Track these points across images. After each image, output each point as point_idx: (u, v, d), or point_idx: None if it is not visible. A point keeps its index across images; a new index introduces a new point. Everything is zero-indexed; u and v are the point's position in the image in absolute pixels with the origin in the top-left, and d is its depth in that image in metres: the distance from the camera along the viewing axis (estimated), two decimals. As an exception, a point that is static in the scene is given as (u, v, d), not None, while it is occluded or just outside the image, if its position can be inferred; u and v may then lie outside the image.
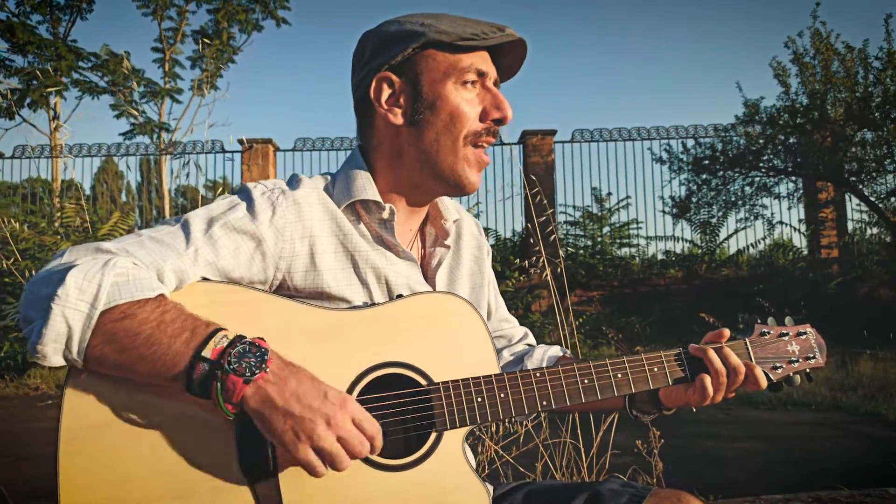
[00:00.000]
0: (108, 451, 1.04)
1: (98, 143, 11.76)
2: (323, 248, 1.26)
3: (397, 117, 1.29)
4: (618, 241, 11.61)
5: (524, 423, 2.60)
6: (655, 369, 1.35)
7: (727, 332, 1.40)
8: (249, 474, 1.07)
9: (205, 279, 1.16)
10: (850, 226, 11.34)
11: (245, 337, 1.03)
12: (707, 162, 10.43)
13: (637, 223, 11.69)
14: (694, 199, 10.72)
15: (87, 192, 13.16)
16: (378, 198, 1.31)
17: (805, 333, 1.45)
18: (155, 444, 1.06)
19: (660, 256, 11.79)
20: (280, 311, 1.18)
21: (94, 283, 1.00)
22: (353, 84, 1.38)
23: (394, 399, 1.19)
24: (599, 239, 11.49)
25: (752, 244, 11.48)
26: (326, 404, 1.02)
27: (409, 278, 1.34)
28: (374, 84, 1.30)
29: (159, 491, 1.05)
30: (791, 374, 1.42)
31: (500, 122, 1.29)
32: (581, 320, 8.20)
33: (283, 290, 1.24)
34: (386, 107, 1.30)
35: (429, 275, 1.42)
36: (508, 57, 1.33)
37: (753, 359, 1.39)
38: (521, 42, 1.30)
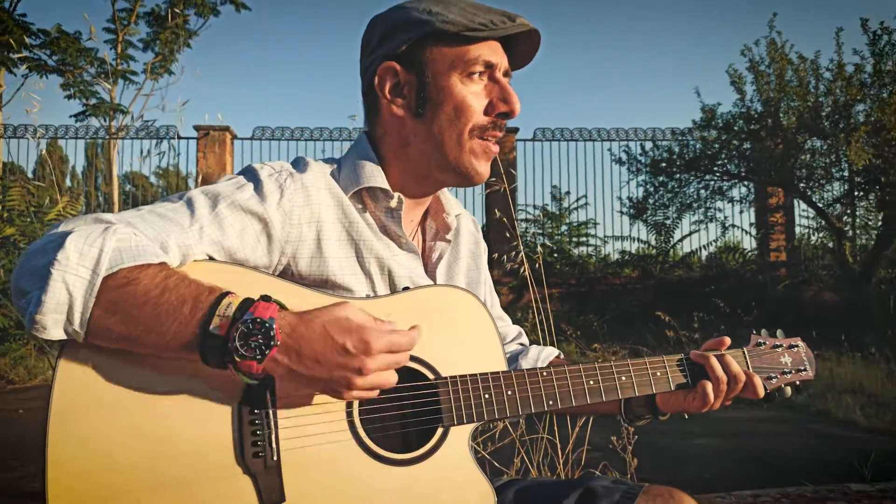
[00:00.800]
0: (101, 436, 0.97)
1: (45, 124, 11.30)
2: (329, 235, 1.21)
3: (400, 109, 1.25)
4: (575, 239, 11.77)
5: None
6: (658, 374, 1.35)
7: (728, 340, 1.42)
8: (250, 464, 1.02)
9: (209, 258, 1.10)
10: (797, 231, 11.74)
11: (250, 301, 0.96)
12: (664, 164, 10.65)
13: (594, 223, 11.88)
14: (651, 201, 10.93)
15: (30, 175, 12.61)
16: (387, 185, 1.27)
17: (796, 346, 1.49)
18: (153, 427, 0.99)
19: (615, 256, 12.00)
20: (288, 295, 1.12)
21: (96, 248, 0.93)
22: (360, 70, 1.33)
23: (401, 392, 1.16)
24: (557, 237, 11.62)
25: (704, 246, 11.80)
26: (350, 358, 0.97)
27: (412, 270, 1.31)
28: (378, 73, 1.26)
29: (156, 479, 0.98)
30: (783, 385, 1.45)
31: (507, 115, 1.25)
32: (540, 318, 8.25)
33: (287, 275, 1.19)
34: (389, 97, 1.26)
35: (429, 268, 1.39)
36: (523, 45, 1.29)
37: (751, 368, 1.41)
38: (535, 30, 1.26)
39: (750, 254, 11.92)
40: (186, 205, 1.11)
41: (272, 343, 0.94)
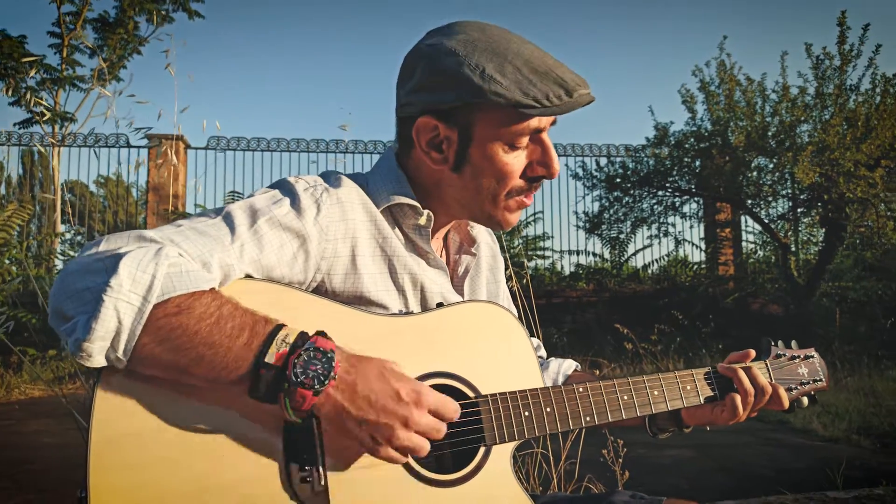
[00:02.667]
0: (145, 465, 0.93)
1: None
2: (363, 251, 1.20)
3: (437, 163, 1.22)
4: (530, 252, 11.90)
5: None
6: (688, 387, 1.37)
7: (753, 353, 1.46)
8: (298, 490, 1.00)
9: (247, 276, 1.08)
10: (744, 246, 12.16)
11: (307, 334, 0.96)
12: (619, 180, 10.89)
13: (548, 236, 12.06)
14: (606, 215, 11.15)
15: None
16: (416, 203, 1.25)
17: (812, 357, 1.53)
18: (197, 457, 0.96)
19: (569, 269, 12.19)
20: (327, 314, 1.11)
21: (148, 274, 0.90)
22: (397, 97, 1.27)
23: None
24: (514, 251, 11.73)
25: (656, 260, 12.10)
26: (401, 405, 0.98)
27: (442, 286, 1.30)
28: (416, 126, 1.20)
29: None
30: (801, 395, 1.49)
31: (544, 178, 1.24)
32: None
33: (321, 292, 1.17)
34: (426, 149, 1.22)
35: (455, 283, 1.39)
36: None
37: (773, 380, 1.45)
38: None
39: (699, 267, 12.27)
40: (225, 221, 1.08)
41: (331, 374, 0.94)
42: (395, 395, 0.98)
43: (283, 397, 0.92)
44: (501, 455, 1.18)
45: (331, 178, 1.24)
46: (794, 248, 10.85)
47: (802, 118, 9.29)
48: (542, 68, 1.14)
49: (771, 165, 9.92)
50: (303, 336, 0.96)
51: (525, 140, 1.19)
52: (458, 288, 1.38)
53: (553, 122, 1.23)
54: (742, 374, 1.37)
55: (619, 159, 11.34)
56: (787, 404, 1.41)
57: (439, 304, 1.25)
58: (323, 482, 1.00)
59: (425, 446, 1.00)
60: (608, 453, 2.48)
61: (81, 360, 0.88)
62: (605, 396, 1.28)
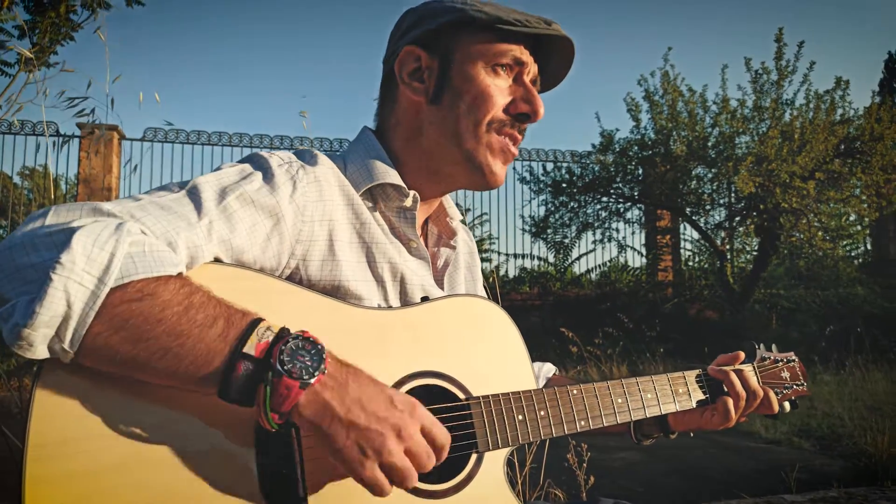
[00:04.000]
0: (88, 475, 0.79)
1: None
2: (340, 236, 1.08)
3: (418, 93, 1.15)
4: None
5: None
6: (681, 390, 1.31)
7: (742, 355, 1.41)
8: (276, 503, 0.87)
9: (215, 260, 0.94)
10: (683, 252, 12.49)
11: (288, 329, 0.84)
12: (565, 185, 11.01)
13: (493, 238, 12.08)
14: (552, 220, 11.25)
15: None
16: (402, 183, 1.15)
17: (793, 361, 1.50)
18: (150, 466, 0.83)
19: (514, 273, 12.24)
20: (306, 306, 0.99)
21: (106, 252, 0.76)
22: (383, 61, 1.23)
23: (433, 413, 1.03)
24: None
25: (600, 265, 12.29)
26: (394, 412, 0.86)
27: (423, 278, 1.19)
28: (399, 57, 1.16)
29: None
30: (785, 400, 1.45)
31: (528, 117, 1.17)
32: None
33: (295, 279, 1.05)
34: (407, 80, 1.16)
35: (435, 276, 1.28)
36: (554, 61, 1.21)
37: (761, 383, 1.40)
38: (569, 44, 1.18)
39: (640, 273, 12.53)
40: (190, 196, 0.94)
41: (321, 366, 0.82)
42: (388, 400, 0.87)
43: (263, 391, 0.79)
44: (494, 462, 1.08)
45: (306, 155, 1.12)
46: (729, 256, 11.18)
47: (741, 130, 9.60)
48: (521, 12, 1.16)
49: (710, 175, 10.22)
50: (286, 329, 0.84)
51: (507, 62, 1.15)
52: (439, 282, 1.29)
53: (535, 84, 1.21)
54: (734, 376, 1.32)
55: (565, 165, 11.48)
56: (776, 408, 1.37)
57: (424, 298, 1.14)
58: (302, 493, 0.88)
59: (413, 475, 0.86)
60: (572, 457, 2.42)
61: (20, 350, 0.74)
62: (598, 399, 1.20)
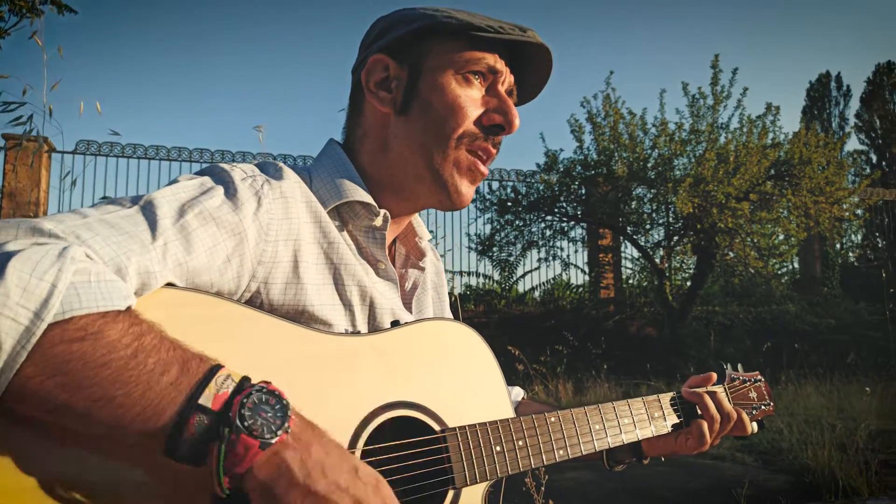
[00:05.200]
0: None
1: None
2: (306, 257, 1.00)
3: (385, 104, 1.09)
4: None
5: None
6: (656, 414, 1.29)
7: (714, 376, 1.40)
8: None
9: (167, 283, 0.84)
10: (623, 271, 12.77)
11: (249, 379, 0.75)
12: (510, 204, 11.10)
13: (439, 256, 12.07)
14: (497, 238, 11.31)
15: None
16: (371, 200, 1.08)
17: (759, 381, 1.51)
18: None
19: (459, 290, 12.23)
20: (267, 333, 0.91)
21: (46, 282, 0.66)
22: (352, 70, 1.18)
23: (405, 449, 0.97)
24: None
25: (544, 283, 12.43)
26: (357, 483, 0.77)
27: (393, 301, 1.12)
28: (367, 66, 1.10)
29: None
30: (753, 421, 1.45)
31: (503, 129, 1.10)
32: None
33: (255, 304, 0.96)
34: (374, 90, 1.10)
35: (404, 299, 1.22)
36: (531, 71, 1.16)
37: (733, 404, 1.40)
38: (546, 53, 1.13)
39: (582, 290, 12.73)
40: (143, 213, 0.85)
41: (285, 423, 0.73)
42: (352, 470, 0.78)
43: (217, 449, 0.69)
44: (472, 499, 1.02)
45: (270, 168, 1.04)
46: (668, 274, 11.48)
47: (679, 152, 9.91)
48: (495, 20, 1.10)
49: (650, 195, 10.50)
50: (247, 378, 0.75)
51: (479, 73, 1.09)
52: (407, 304, 1.22)
53: (511, 94, 1.16)
54: (707, 399, 1.31)
55: (510, 183, 11.58)
56: (749, 430, 1.36)
57: (395, 322, 1.08)
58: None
59: None
60: (530, 481, 2.38)
61: None
62: (576, 426, 1.16)
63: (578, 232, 11.85)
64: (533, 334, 9.66)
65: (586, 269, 12.60)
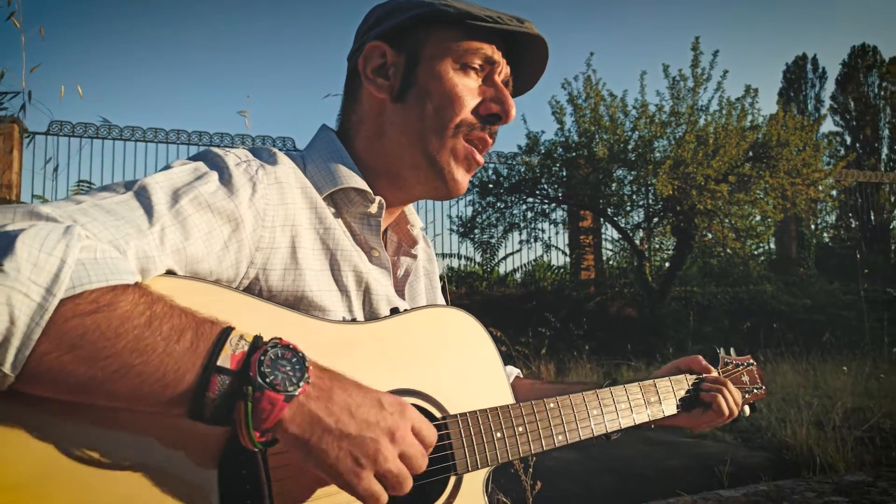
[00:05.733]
0: None
1: None
2: (303, 243, 1.00)
3: (382, 90, 1.09)
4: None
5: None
6: (652, 399, 1.32)
7: (700, 359, 1.43)
8: None
9: (167, 272, 0.84)
10: (604, 252, 12.87)
11: (262, 336, 0.77)
12: (491, 186, 11.09)
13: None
14: (479, 220, 11.32)
15: None
16: (367, 187, 1.08)
17: (752, 365, 1.53)
18: (103, 499, 0.72)
19: (439, 272, 12.25)
20: (270, 320, 0.91)
21: (55, 258, 0.66)
22: (347, 57, 1.17)
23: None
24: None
25: (525, 264, 12.49)
26: (385, 415, 0.81)
27: (387, 288, 1.13)
28: (364, 53, 1.10)
29: None
30: (746, 404, 1.48)
31: (499, 118, 1.11)
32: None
33: (253, 291, 0.96)
34: (371, 76, 1.09)
35: (396, 286, 1.22)
36: (527, 62, 1.16)
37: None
38: (543, 45, 1.13)
39: (563, 272, 12.81)
40: (138, 198, 0.84)
41: (305, 375, 0.74)
42: (377, 404, 0.81)
43: (243, 408, 0.71)
44: (474, 484, 1.03)
45: (264, 153, 1.04)
46: (648, 255, 11.59)
47: (659, 134, 9.96)
48: (490, 9, 1.11)
49: (631, 177, 10.55)
50: (260, 337, 0.76)
51: (477, 63, 1.09)
52: (399, 292, 1.23)
53: (507, 85, 1.15)
54: (721, 401, 1.35)
55: (491, 165, 11.56)
56: (745, 413, 1.40)
57: (394, 310, 1.08)
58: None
59: (409, 480, 0.82)
60: (518, 462, 2.40)
61: None
62: (575, 412, 1.18)
63: (559, 214, 11.89)
64: (515, 316, 9.71)
65: (567, 251, 12.67)
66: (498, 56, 1.11)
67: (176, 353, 0.70)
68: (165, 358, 0.70)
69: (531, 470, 2.41)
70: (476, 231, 11.36)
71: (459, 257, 12.35)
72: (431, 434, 0.86)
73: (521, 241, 11.62)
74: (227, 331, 0.74)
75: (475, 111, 1.09)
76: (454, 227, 11.67)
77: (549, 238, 12.07)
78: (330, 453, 0.76)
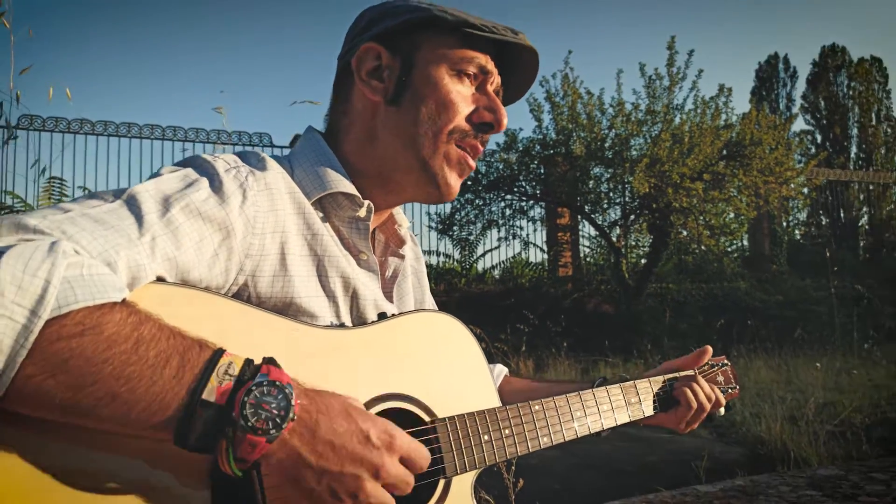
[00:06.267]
0: None
1: None
2: (292, 249, 1.00)
3: (376, 93, 1.09)
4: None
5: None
6: (633, 400, 1.34)
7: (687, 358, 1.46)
8: None
9: (158, 279, 0.84)
10: (581, 249, 12.97)
11: (253, 362, 0.76)
12: (470, 183, 11.11)
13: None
14: (457, 217, 11.33)
15: None
16: (355, 191, 1.08)
17: (726, 365, 1.57)
18: None
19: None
20: (261, 327, 0.91)
21: (40, 278, 0.65)
22: (338, 58, 1.16)
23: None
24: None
25: (503, 261, 12.54)
26: (370, 450, 0.79)
27: (375, 292, 1.14)
28: (358, 54, 1.09)
29: None
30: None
31: (492, 127, 1.12)
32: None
33: (242, 297, 0.96)
34: (365, 78, 1.09)
35: (384, 288, 1.23)
36: (517, 73, 1.18)
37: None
38: (534, 56, 1.15)
39: (541, 269, 12.89)
40: (128, 206, 0.84)
41: (289, 415, 0.73)
42: (363, 438, 0.80)
43: (225, 446, 0.71)
44: (462, 486, 1.04)
45: (252, 158, 1.03)
46: (624, 252, 11.70)
47: (635, 132, 10.05)
48: (485, 19, 1.12)
49: (608, 175, 10.64)
50: (250, 365, 0.76)
51: (471, 71, 1.10)
52: (388, 293, 1.23)
53: (498, 95, 1.17)
54: (689, 393, 1.37)
55: (470, 162, 11.58)
56: (708, 407, 1.43)
57: (381, 315, 1.08)
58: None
59: None
60: (502, 462, 2.42)
61: None
62: (559, 414, 1.19)
63: (537, 211, 11.95)
64: (493, 313, 9.74)
65: (545, 248, 12.74)
66: (491, 66, 1.12)
67: (161, 382, 0.70)
68: (151, 386, 0.69)
69: (514, 468, 2.43)
70: (454, 228, 11.37)
71: (438, 254, 12.36)
72: (422, 455, 0.86)
73: (499, 239, 11.68)
74: (216, 357, 0.74)
75: (469, 118, 1.10)
76: (433, 224, 11.68)
77: (528, 235, 12.14)
78: (308, 485, 0.76)
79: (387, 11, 1.11)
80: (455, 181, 1.13)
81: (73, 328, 0.66)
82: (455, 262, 12.45)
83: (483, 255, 12.45)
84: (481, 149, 1.14)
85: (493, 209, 11.35)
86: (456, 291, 11.26)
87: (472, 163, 1.13)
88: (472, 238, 11.69)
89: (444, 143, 1.09)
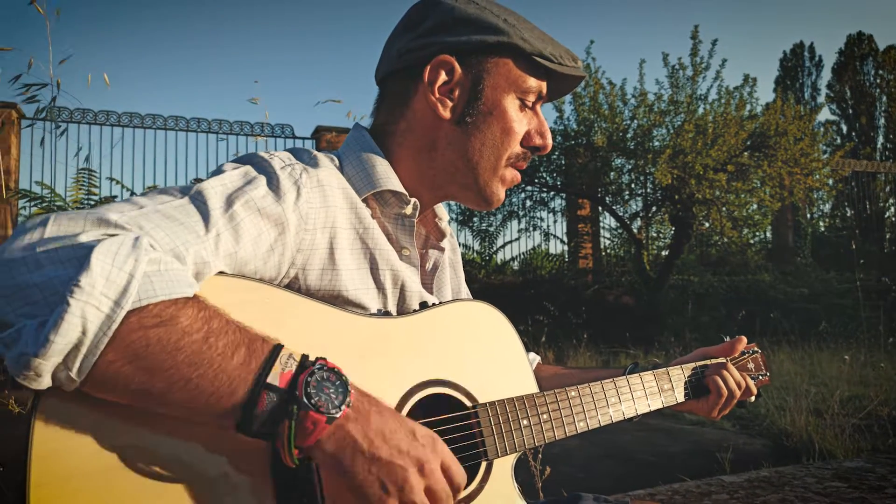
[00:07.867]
0: None
1: None
2: (341, 243, 1.04)
3: (446, 111, 1.11)
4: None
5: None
6: (666, 387, 1.36)
7: (743, 341, 1.49)
8: None
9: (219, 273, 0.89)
10: (602, 240, 12.92)
11: (308, 356, 0.81)
12: (490, 174, 11.10)
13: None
14: (477, 208, 11.33)
15: None
16: (403, 189, 1.12)
17: (757, 353, 1.58)
18: (163, 502, 0.77)
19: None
20: (313, 316, 0.95)
21: (125, 272, 0.70)
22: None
23: (442, 424, 1.02)
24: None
25: (523, 253, 12.54)
26: (416, 446, 0.83)
27: (418, 284, 1.17)
28: (432, 64, 1.10)
29: None
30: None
31: (539, 150, 1.18)
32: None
33: (292, 288, 1.01)
34: (438, 95, 1.11)
35: (424, 280, 1.26)
36: (560, 92, 1.22)
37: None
38: (581, 80, 1.21)
39: (561, 260, 12.87)
40: (195, 203, 0.89)
41: (347, 399, 0.78)
42: (410, 433, 0.84)
43: (287, 426, 0.75)
44: (503, 469, 1.08)
45: (304, 156, 1.08)
46: (646, 244, 11.64)
47: (658, 123, 9.97)
48: (551, 38, 1.16)
49: (629, 166, 10.57)
50: (306, 356, 0.81)
51: (531, 101, 1.15)
52: (427, 286, 1.27)
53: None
54: (720, 381, 1.39)
55: (490, 153, 11.57)
56: (738, 393, 1.45)
57: (423, 304, 1.12)
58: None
59: None
60: (529, 450, 2.45)
61: (25, 380, 0.67)
62: (594, 400, 1.22)
63: (558, 202, 11.93)
64: (513, 304, 9.76)
65: (565, 239, 12.71)
66: (545, 89, 1.17)
67: (230, 369, 0.75)
68: (220, 373, 0.74)
69: (540, 456, 2.46)
70: (475, 219, 11.40)
71: (458, 245, 12.41)
72: (460, 474, 0.88)
73: (519, 230, 11.68)
74: (278, 349, 0.79)
75: (522, 141, 1.16)
76: (453, 216, 11.70)
77: (548, 226, 12.13)
78: (359, 475, 0.79)
79: (461, 18, 1.10)
80: (503, 194, 1.19)
81: (150, 319, 0.72)
82: (475, 254, 12.48)
83: (503, 246, 12.48)
84: (525, 165, 1.19)
85: (514, 200, 11.35)
86: (475, 282, 11.29)
87: (518, 178, 1.19)
88: (492, 229, 11.72)
89: (501, 168, 1.15)
